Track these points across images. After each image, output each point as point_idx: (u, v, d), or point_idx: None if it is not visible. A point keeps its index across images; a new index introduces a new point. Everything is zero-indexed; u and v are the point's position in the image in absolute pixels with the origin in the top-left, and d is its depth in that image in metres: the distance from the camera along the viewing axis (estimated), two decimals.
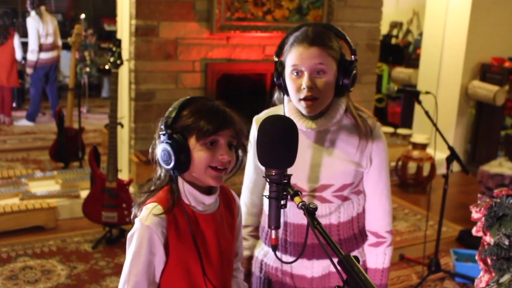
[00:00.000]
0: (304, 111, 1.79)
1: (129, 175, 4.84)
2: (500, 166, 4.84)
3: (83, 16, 7.99)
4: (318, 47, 1.74)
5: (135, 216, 1.64)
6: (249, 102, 5.10)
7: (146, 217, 1.55)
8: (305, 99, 1.75)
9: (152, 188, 1.65)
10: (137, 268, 1.54)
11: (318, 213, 1.84)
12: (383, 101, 8.38)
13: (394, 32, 9.10)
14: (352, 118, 1.86)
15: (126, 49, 4.59)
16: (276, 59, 1.84)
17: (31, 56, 7.49)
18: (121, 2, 4.92)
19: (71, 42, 5.68)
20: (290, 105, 1.85)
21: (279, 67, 1.82)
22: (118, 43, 4.08)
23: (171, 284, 1.61)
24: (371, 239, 1.97)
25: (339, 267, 1.29)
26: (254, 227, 2.06)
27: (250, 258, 2.06)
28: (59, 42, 7.85)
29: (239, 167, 1.71)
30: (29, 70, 7.63)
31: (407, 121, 7.42)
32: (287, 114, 1.83)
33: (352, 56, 1.80)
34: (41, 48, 7.50)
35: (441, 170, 5.82)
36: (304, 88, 1.74)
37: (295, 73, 1.76)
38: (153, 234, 1.54)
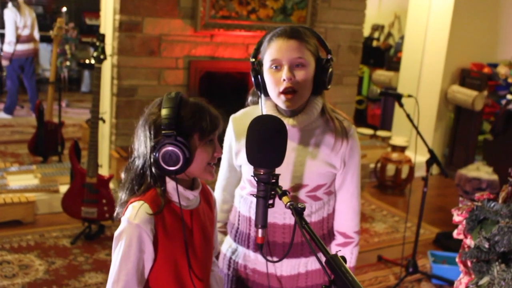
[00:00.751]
0: (283, 105, 1.79)
1: (109, 171, 4.81)
2: (477, 170, 4.90)
3: (64, 9, 7.91)
4: (297, 40, 1.76)
5: (118, 215, 1.65)
6: (231, 100, 5.10)
7: (135, 216, 1.56)
8: (285, 91, 1.75)
9: (136, 187, 1.64)
10: (127, 267, 1.55)
11: (290, 213, 1.87)
12: (363, 103, 8.44)
13: (376, 34, 9.17)
14: (328, 119, 1.87)
15: (109, 44, 4.56)
16: (252, 59, 1.85)
17: (8, 48, 7.42)
18: None
19: (53, 36, 5.63)
20: (268, 104, 1.85)
21: (257, 66, 1.83)
22: (102, 38, 4.05)
23: (159, 280, 1.63)
24: (338, 239, 1.99)
25: (326, 266, 1.31)
26: (223, 223, 2.08)
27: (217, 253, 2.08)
28: (36, 35, 7.76)
29: None
30: (4, 62, 7.55)
31: (387, 123, 7.49)
32: (264, 112, 1.84)
33: (328, 55, 1.83)
34: (17, 40, 7.43)
35: (419, 172, 5.90)
36: (284, 80, 1.74)
37: (274, 67, 1.77)
38: (143, 232, 1.56)
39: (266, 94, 1.84)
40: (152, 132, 1.59)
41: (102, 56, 4.02)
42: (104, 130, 4.85)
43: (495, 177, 4.78)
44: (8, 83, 7.80)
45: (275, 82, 1.77)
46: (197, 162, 1.61)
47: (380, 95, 3.56)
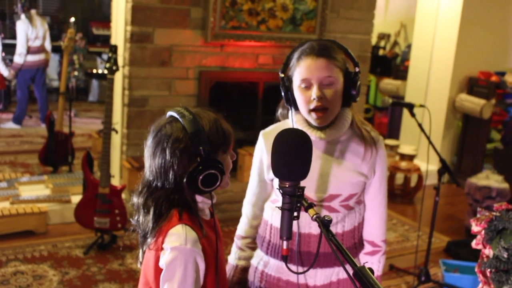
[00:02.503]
0: (314, 122, 1.84)
1: (120, 181, 4.84)
2: (487, 179, 4.91)
3: (72, 19, 7.96)
4: (325, 58, 1.80)
5: (147, 244, 1.63)
6: (241, 110, 5.15)
7: (186, 241, 1.57)
8: (315, 109, 1.80)
9: (163, 212, 1.63)
10: None
11: None
12: (370, 112, 8.46)
13: (382, 43, 9.20)
14: (358, 129, 1.92)
15: (121, 55, 4.60)
16: (282, 75, 1.89)
17: (18, 59, 7.46)
18: (116, 8, 4.93)
19: (64, 47, 5.67)
20: (298, 118, 1.89)
21: (287, 82, 1.87)
22: (114, 49, 4.09)
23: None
24: (367, 247, 2.02)
25: (354, 278, 1.33)
26: (252, 239, 2.10)
27: (246, 268, 2.09)
28: (48, 46, 7.79)
29: None
30: (10, 74, 7.58)
31: (394, 132, 7.50)
32: (295, 126, 1.88)
33: (356, 68, 1.86)
34: (28, 51, 7.47)
35: (427, 181, 5.91)
36: (314, 99, 1.79)
37: (304, 86, 1.81)
38: (197, 255, 1.59)
39: (296, 108, 1.88)
40: (186, 160, 1.59)
41: (114, 67, 4.06)
42: (115, 141, 4.87)
43: (505, 185, 4.78)
44: (18, 93, 7.84)
45: (305, 100, 1.82)
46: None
47: (392, 105, 3.58)
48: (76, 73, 8.49)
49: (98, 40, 10.16)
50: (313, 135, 1.84)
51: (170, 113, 1.68)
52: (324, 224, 1.43)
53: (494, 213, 2.17)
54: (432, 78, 6.59)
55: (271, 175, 1.95)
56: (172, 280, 1.56)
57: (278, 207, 1.56)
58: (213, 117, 1.67)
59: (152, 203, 1.63)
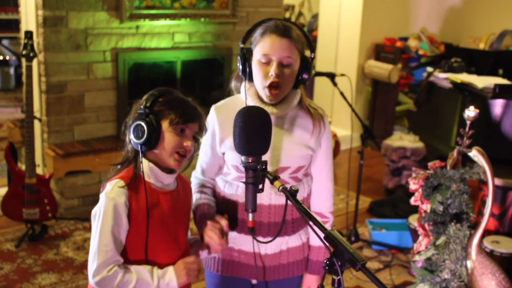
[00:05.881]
0: (267, 99, 1.92)
1: (44, 170, 4.73)
2: (401, 140, 5.19)
3: None
4: (289, 39, 1.87)
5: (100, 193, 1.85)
6: None
7: (111, 191, 1.75)
8: (270, 86, 1.87)
9: (119, 167, 1.84)
10: (105, 239, 1.72)
11: (276, 194, 1.99)
12: None
13: (287, 15, 9.37)
14: (306, 107, 2.02)
15: (34, 41, 4.45)
16: (242, 45, 1.95)
17: None
18: None
19: None
20: (251, 91, 1.96)
21: (246, 53, 1.93)
22: (29, 35, 3.98)
23: (132, 248, 1.80)
24: None
25: (326, 242, 1.43)
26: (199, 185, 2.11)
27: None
28: None
29: (192, 158, 1.88)
30: None
31: None
32: (248, 100, 1.95)
33: (312, 54, 1.96)
34: None
35: (344, 146, 6.17)
36: (271, 75, 1.86)
37: (264, 60, 1.88)
38: (117, 205, 1.73)
39: (250, 80, 1.95)
40: (132, 111, 1.83)
41: (31, 54, 3.96)
42: (35, 129, 4.74)
43: (418, 144, 5.08)
44: None
45: (263, 75, 1.89)
46: (165, 145, 1.77)
47: (315, 75, 3.72)
48: None
49: None
50: (266, 109, 1.92)
51: None
52: (292, 194, 1.52)
53: (429, 171, 2.38)
54: (341, 46, 6.82)
55: (223, 148, 2.01)
56: (95, 225, 1.75)
57: (243, 182, 1.64)
58: (181, 97, 1.83)
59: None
